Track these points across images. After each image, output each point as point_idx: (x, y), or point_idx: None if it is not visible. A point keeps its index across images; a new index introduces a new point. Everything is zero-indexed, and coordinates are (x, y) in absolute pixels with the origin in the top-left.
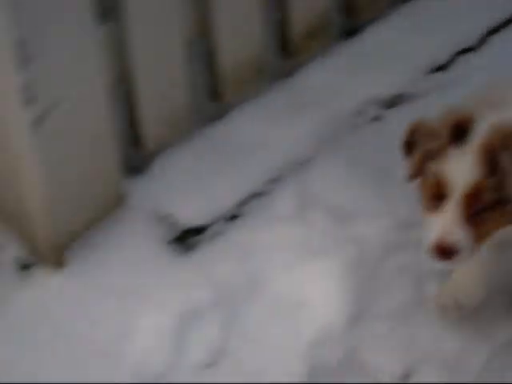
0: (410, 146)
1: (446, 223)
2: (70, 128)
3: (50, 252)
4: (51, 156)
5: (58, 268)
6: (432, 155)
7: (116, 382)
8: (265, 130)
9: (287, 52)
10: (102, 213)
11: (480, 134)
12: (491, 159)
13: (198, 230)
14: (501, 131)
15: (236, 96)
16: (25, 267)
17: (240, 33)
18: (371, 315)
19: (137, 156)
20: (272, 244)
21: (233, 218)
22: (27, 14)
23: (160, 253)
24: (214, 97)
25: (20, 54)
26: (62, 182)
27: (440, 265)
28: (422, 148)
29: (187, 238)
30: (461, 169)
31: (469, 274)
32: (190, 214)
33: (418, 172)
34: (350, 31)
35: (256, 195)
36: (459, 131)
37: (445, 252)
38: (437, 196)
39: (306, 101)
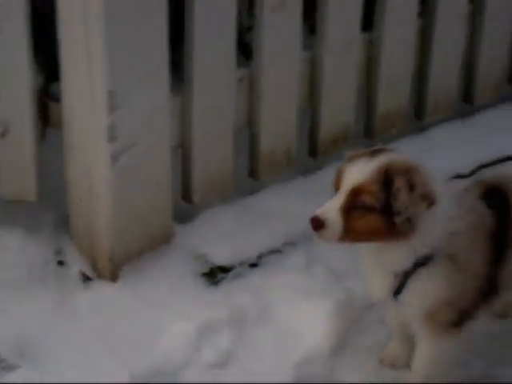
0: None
1: (326, 205)
2: (140, 169)
3: (108, 269)
4: (122, 188)
5: (113, 282)
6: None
7: (145, 371)
8: (288, 205)
9: (314, 151)
10: (153, 245)
11: (381, 159)
12: (386, 175)
13: (225, 270)
14: (401, 163)
15: (270, 176)
16: (87, 279)
17: (278, 126)
18: (351, 347)
19: (186, 207)
20: (281, 287)
21: (253, 265)
22: (119, 70)
23: (193, 282)
24: (253, 174)
25: (109, 101)
26: (126, 212)
27: (315, 236)
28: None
29: (216, 275)
30: (354, 172)
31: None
32: (220, 257)
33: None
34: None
35: (274, 251)
36: (370, 154)
37: (313, 222)
38: (335, 191)
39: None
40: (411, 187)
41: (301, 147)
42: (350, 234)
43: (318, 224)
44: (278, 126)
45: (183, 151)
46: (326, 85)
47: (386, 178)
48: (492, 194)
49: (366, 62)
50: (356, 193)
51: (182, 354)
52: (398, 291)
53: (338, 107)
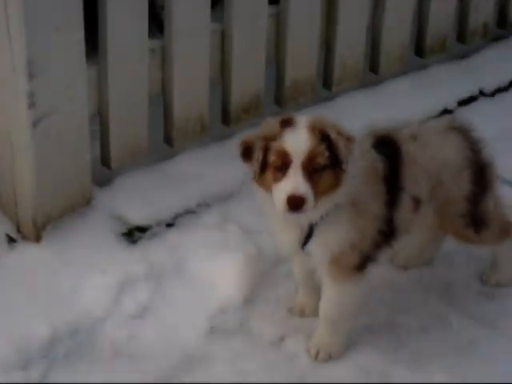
0: (247, 152)
1: (293, 183)
2: (58, 134)
3: (31, 230)
4: (42, 153)
5: (36, 242)
6: (270, 141)
7: (65, 323)
8: (202, 169)
9: (226, 119)
10: (74, 207)
11: (305, 121)
12: (321, 133)
13: (143, 229)
14: (317, 119)
15: (184, 142)
16: (12, 240)
17: (191, 95)
18: (262, 298)
19: (106, 172)
20: (195, 244)
21: (169, 225)
22: (35, 42)
23: (112, 241)
24: (168, 141)
25: (28, 70)
26: (46, 176)
27: (292, 217)
28: (260, 142)
29: (134, 234)
30: (299, 142)
31: (325, 329)
32: (138, 218)
33: (262, 164)
34: None
35: (189, 211)
36: (287, 123)
37: (296, 202)
38: (281, 168)
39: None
40: (339, 135)
41: (215, 115)
42: (316, 196)
43: (299, 202)
44: (191, 94)
45: (101, 119)
46: (236, 56)
47: (323, 136)
48: (382, 144)
49: (274, 34)
50: (310, 159)
51: (101, 307)
52: (305, 242)
53: (248, 77)
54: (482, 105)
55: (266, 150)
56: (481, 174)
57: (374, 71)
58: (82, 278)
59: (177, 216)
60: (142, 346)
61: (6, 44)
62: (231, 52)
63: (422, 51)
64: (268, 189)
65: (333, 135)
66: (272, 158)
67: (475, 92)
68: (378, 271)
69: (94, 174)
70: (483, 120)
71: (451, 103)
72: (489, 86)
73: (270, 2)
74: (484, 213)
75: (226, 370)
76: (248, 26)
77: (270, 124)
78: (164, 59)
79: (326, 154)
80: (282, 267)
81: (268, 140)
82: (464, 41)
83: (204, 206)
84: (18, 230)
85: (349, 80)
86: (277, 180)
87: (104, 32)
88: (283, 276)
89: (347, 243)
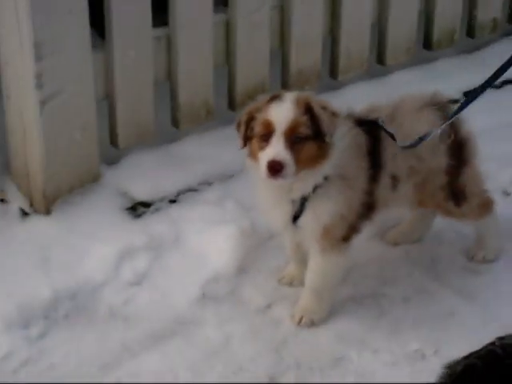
0: (239, 123)
1: (274, 149)
2: (66, 114)
3: (42, 204)
4: (51, 130)
5: (46, 215)
6: (255, 113)
7: (66, 287)
8: (207, 151)
9: (232, 104)
10: (82, 183)
11: (291, 96)
12: (305, 106)
13: (146, 205)
14: (307, 94)
15: (190, 125)
16: (25, 214)
17: (196, 81)
18: (253, 269)
19: (114, 151)
20: (194, 219)
21: (172, 201)
22: (43, 25)
23: (117, 215)
24: (174, 123)
25: (36, 52)
26: (56, 153)
27: (274, 181)
28: (247, 115)
29: (137, 209)
30: (282, 113)
31: (310, 297)
32: (142, 194)
33: (245, 134)
34: None
35: (191, 189)
36: (275, 98)
37: (276, 167)
38: (264, 136)
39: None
40: (324, 109)
41: (221, 101)
42: (298, 165)
43: (279, 167)
44: (196, 80)
45: (109, 102)
46: (240, 44)
47: (307, 108)
48: (363, 124)
49: (278, 23)
50: (293, 128)
51: (101, 274)
52: (297, 216)
53: (253, 65)
54: (488, 96)
55: (252, 122)
56: (458, 148)
57: (381, 63)
58: (86, 247)
59: (179, 193)
60: (136, 309)
61: (14, 27)
62: (235, 41)
63: (430, 44)
64: (256, 160)
65: (316, 108)
66: (257, 128)
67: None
68: (368, 246)
69: (103, 153)
70: (487, 110)
71: (457, 94)
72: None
73: None
74: (463, 186)
75: (213, 332)
76: (250, 16)
77: (260, 99)
78: (169, 47)
79: (309, 125)
80: (274, 241)
81: (255, 112)
82: (473, 35)
83: (206, 184)
84: (31, 205)
85: (354, 69)
86: (261, 148)
87: (110, 19)
88: (275, 249)
89: (338, 214)
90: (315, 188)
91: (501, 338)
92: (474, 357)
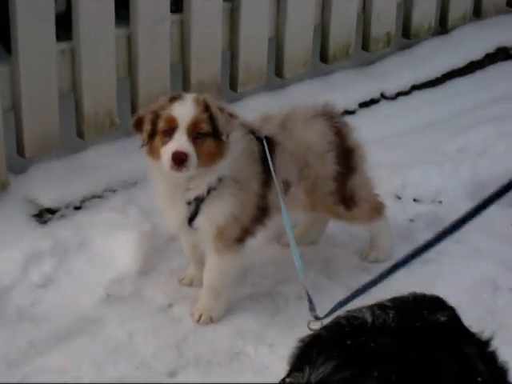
0: (138, 124)
1: (178, 141)
2: None
3: None
4: None
5: None
6: (160, 111)
7: None
8: (111, 159)
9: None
10: None
11: (191, 96)
12: (204, 105)
13: (52, 211)
14: (206, 95)
15: (94, 135)
16: None
17: (99, 93)
18: (156, 270)
19: (19, 160)
20: (99, 224)
21: (77, 208)
22: None
23: (24, 221)
24: (79, 134)
25: None
26: None
27: (177, 174)
28: (150, 112)
29: (44, 215)
30: (184, 109)
31: (208, 296)
32: (48, 201)
33: (150, 132)
34: None
35: (96, 196)
36: (176, 98)
37: (181, 157)
38: (168, 132)
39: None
40: (221, 110)
41: (124, 111)
42: (200, 159)
43: (183, 157)
44: (99, 92)
45: (15, 113)
46: (141, 57)
47: (206, 107)
48: (256, 132)
49: (179, 37)
50: (195, 124)
51: (9, 278)
52: (192, 218)
53: (155, 76)
54: (382, 107)
55: (155, 120)
56: (346, 156)
57: (279, 75)
58: None
59: (84, 200)
60: (43, 310)
61: None
62: (137, 54)
63: (326, 58)
64: (158, 157)
65: (213, 108)
66: (161, 124)
67: (377, 95)
68: (265, 248)
69: (10, 163)
70: (382, 120)
71: (353, 105)
72: (390, 90)
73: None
74: (352, 191)
75: (116, 330)
76: (151, 30)
77: (161, 99)
78: (73, 60)
79: (208, 122)
80: (175, 243)
81: (158, 111)
82: (368, 49)
83: (110, 191)
84: None
85: (253, 82)
86: (165, 143)
87: (15, 33)
88: (176, 251)
89: (231, 216)
90: (209, 190)
91: (348, 311)
92: (321, 328)
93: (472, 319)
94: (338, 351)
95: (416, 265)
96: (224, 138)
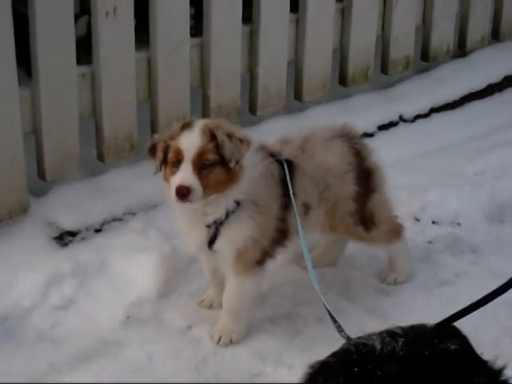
0: (152, 151)
1: (182, 174)
2: None
3: None
4: None
5: None
6: (169, 140)
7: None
8: (130, 182)
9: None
10: (10, 215)
11: (199, 124)
12: (211, 134)
13: (73, 234)
14: (212, 122)
15: (114, 159)
16: None
17: (119, 116)
18: (175, 292)
19: (39, 183)
20: (119, 246)
21: (97, 230)
22: None
23: (45, 244)
24: (100, 157)
25: None
26: None
27: (182, 205)
28: (162, 140)
29: (64, 238)
30: (190, 141)
31: (228, 317)
32: (69, 224)
33: (162, 160)
34: None
35: (116, 219)
36: (186, 126)
37: (183, 192)
38: (175, 163)
39: None
40: (229, 136)
41: (145, 135)
42: (207, 190)
43: (186, 191)
44: (119, 115)
45: (36, 136)
46: (161, 80)
47: (212, 135)
48: (276, 155)
49: (199, 61)
50: (200, 155)
51: (30, 300)
52: (212, 240)
53: (175, 100)
54: (401, 129)
55: (166, 149)
56: (365, 176)
57: (298, 98)
58: (15, 275)
59: (104, 223)
60: (63, 332)
61: None
62: (157, 77)
63: (345, 81)
64: (169, 184)
65: (220, 135)
66: (170, 154)
67: (395, 118)
68: (284, 270)
69: (31, 186)
70: (401, 142)
71: (371, 128)
72: (409, 113)
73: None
74: (371, 212)
75: (135, 352)
76: (171, 54)
77: (173, 127)
78: (93, 84)
79: (215, 151)
80: (195, 266)
81: (169, 140)
82: (386, 72)
83: (129, 214)
84: None
85: (272, 105)
86: (173, 174)
87: (36, 57)
88: (196, 273)
89: (250, 239)
90: (228, 213)
91: (358, 338)
92: (329, 355)
93: (489, 340)
94: (345, 379)
95: (434, 286)
96: (232, 164)
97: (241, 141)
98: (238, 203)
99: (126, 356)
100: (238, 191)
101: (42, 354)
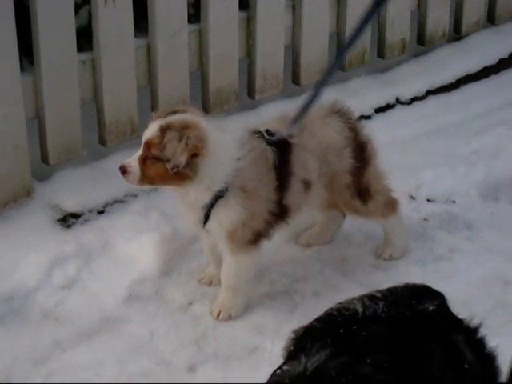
0: None
1: (132, 157)
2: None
3: None
4: None
5: None
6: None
7: (2, 289)
8: None
9: None
10: (15, 198)
11: (163, 119)
12: (163, 130)
13: (76, 216)
14: (177, 120)
15: (116, 142)
16: None
17: (120, 101)
18: (176, 271)
19: (43, 167)
20: (121, 227)
21: (100, 212)
22: None
23: (49, 226)
24: (101, 141)
25: None
26: None
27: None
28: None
29: (68, 220)
30: (147, 131)
31: (226, 294)
32: (72, 206)
33: None
34: None
35: (118, 201)
36: (157, 117)
37: (121, 169)
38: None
39: None
40: (179, 140)
41: (145, 119)
42: (146, 178)
43: (123, 170)
44: (120, 100)
45: (39, 121)
46: (161, 66)
47: (163, 132)
48: (271, 135)
49: (197, 46)
50: (147, 146)
51: (34, 280)
52: (204, 221)
53: (174, 84)
54: (398, 112)
55: None
56: (360, 150)
57: (296, 83)
58: (20, 256)
59: (107, 205)
60: (67, 310)
61: None
62: (156, 63)
63: (342, 65)
64: None
65: (167, 137)
66: None
67: (392, 101)
68: (283, 248)
69: (35, 170)
70: (397, 124)
71: (369, 111)
72: (406, 96)
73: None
74: (367, 184)
75: (137, 329)
76: (170, 40)
77: (159, 111)
78: (94, 70)
79: (160, 148)
80: (194, 245)
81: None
82: (383, 56)
83: (131, 196)
84: None
85: (270, 89)
86: None
87: (37, 46)
88: (195, 252)
89: (239, 222)
90: (217, 198)
91: (340, 303)
92: (313, 320)
93: (483, 313)
94: (332, 340)
95: (429, 262)
96: (169, 166)
97: (184, 149)
98: (226, 189)
99: (128, 332)
100: (208, 184)
101: (47, 331)
